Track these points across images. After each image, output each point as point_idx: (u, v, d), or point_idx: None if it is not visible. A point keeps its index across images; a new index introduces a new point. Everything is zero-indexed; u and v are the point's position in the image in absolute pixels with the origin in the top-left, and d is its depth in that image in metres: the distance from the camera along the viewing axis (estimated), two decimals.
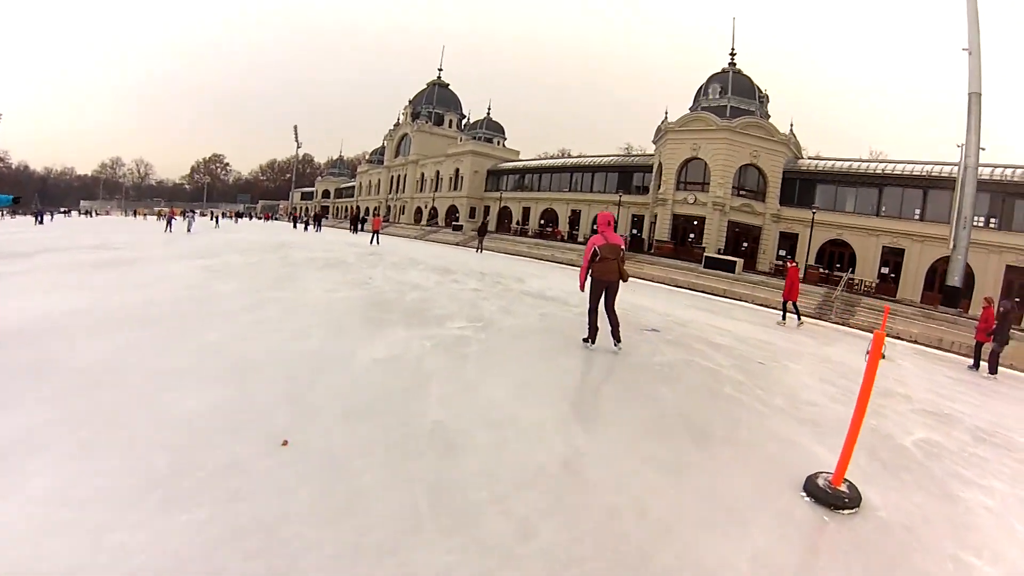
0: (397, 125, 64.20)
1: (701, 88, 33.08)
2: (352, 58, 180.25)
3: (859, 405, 2.75)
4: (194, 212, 34.39)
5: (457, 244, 33.22)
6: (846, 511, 2.64)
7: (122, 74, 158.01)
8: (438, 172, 54.21)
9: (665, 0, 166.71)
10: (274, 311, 6.26)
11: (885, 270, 27.04)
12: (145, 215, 62.11)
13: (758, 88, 32.66)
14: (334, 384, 3.74)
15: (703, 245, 28.49)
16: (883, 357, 2.69)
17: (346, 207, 77.94)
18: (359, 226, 39.42)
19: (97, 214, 71.23)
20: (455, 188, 51.03)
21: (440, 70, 62.68)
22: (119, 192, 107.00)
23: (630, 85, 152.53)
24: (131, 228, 28.96)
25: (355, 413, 3.22)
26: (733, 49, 33.82)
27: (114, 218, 59.70)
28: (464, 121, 61.14)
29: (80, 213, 68.45)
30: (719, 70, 33.26)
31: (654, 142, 34.56)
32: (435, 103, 60.67)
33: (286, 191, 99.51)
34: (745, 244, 30.21)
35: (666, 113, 32.47)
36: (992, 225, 23.48)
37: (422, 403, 3.53)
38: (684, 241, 30.34)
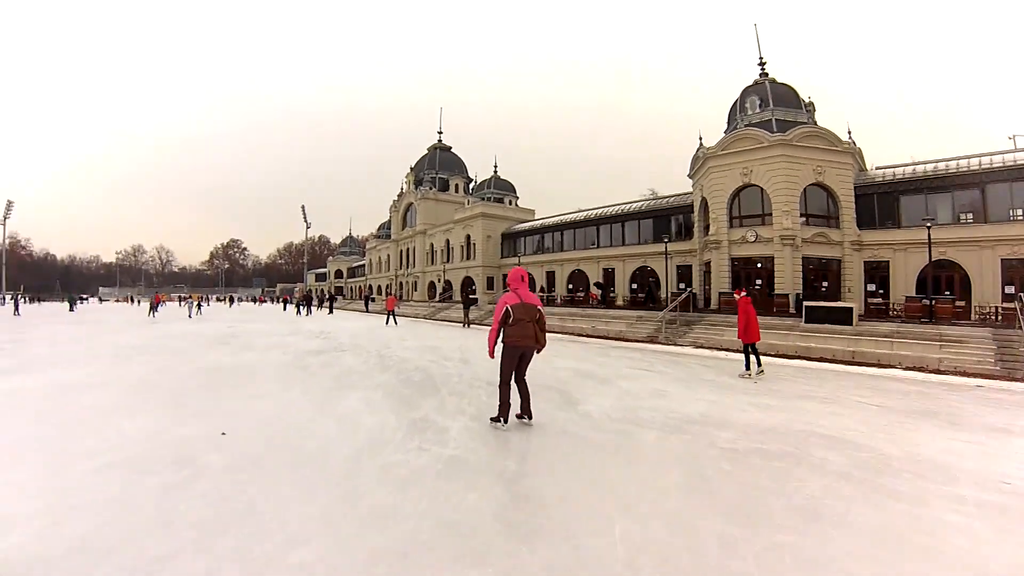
0: (401, 195, 61.67)
1: (735, 105, 28.51)
2: (360, 134, 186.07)
3: None
4: (191, 298, 38.62)
5: (472, 322, 28.26)
6: None
7: (140, 164, 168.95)
8: (448, 241, 50.44)
9: (667, 47, 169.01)
10: None
11: (1010, 290, 21.16)
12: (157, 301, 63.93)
13: (801, 97, 27.85)
14: None
15: (784, 292, 22.94)
16: None
17: (359, 287, 74.91)
18: (309, 308, 35.87)
19: (116, 300, 73.09)
20: (468, 257, 46.94)
21: (440, 133, 60.59)
22: (140, 279, 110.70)
23: (641, 133, 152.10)
24: (101, 317, 29.41)
25: None
26: (761, 57, 29.43)
27: (120, 304, 63.02)
28: (471, 185, 57.87)
29: (99, 300, 76.41)
30: (752, 82, 28.65)
31: (691, 176, 29.92)
32: (438, 167, 57.95)
33: (303, 273, 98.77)
34: (825, 283, 24.68)
35: (700, 139, 27.98)
36: None
37: None
38: (750, 289, 24.87)
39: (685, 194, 32.05)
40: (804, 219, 24.52)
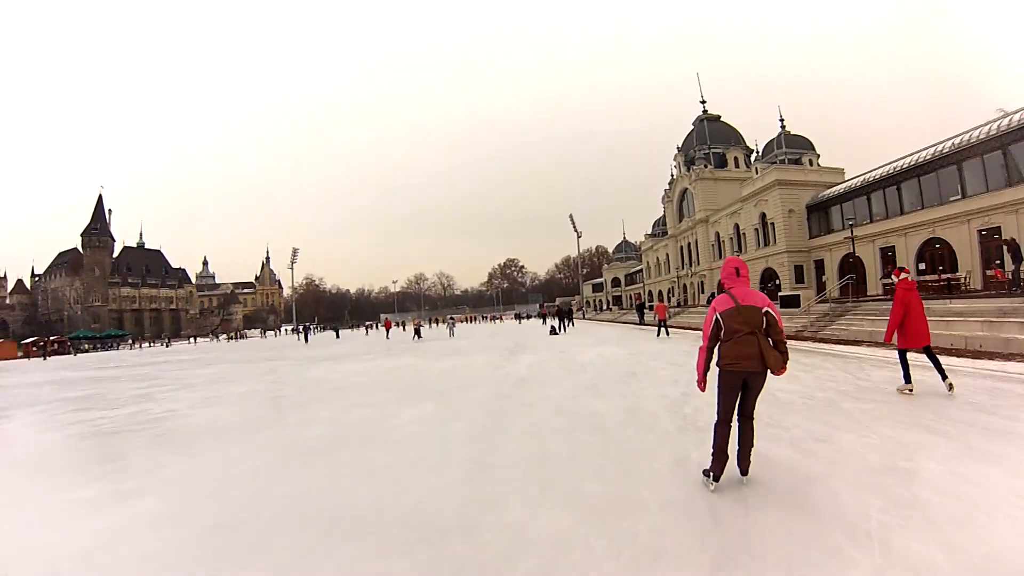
0: (672, 182, 57.70)
1: None
2: (621, 128, 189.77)
3: None
4: (453, 319, 48.37)
5: (798, 333, 20.61)
6: None
7: (421, 203, 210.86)
8: (736, 226, 44.21)
9: None
10: None
11: None
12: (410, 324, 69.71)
13: None
14: None
15: None
16: None
17: (635, 294, 72.58)
18: (563, 324, 34.86)
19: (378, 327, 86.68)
20: (765, 243, 39.90)
21: (703, 102, 54.45)
22: (422, 304, 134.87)
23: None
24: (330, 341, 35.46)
25: None
26: None
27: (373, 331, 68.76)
28: (752, 156, 50.22)
29: (368, 327, 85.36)
30: None
31: None
32: (709, 142, 52.27)
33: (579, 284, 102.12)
34: None
35: None
36: None
37: None
38: None
39: None
40: None
